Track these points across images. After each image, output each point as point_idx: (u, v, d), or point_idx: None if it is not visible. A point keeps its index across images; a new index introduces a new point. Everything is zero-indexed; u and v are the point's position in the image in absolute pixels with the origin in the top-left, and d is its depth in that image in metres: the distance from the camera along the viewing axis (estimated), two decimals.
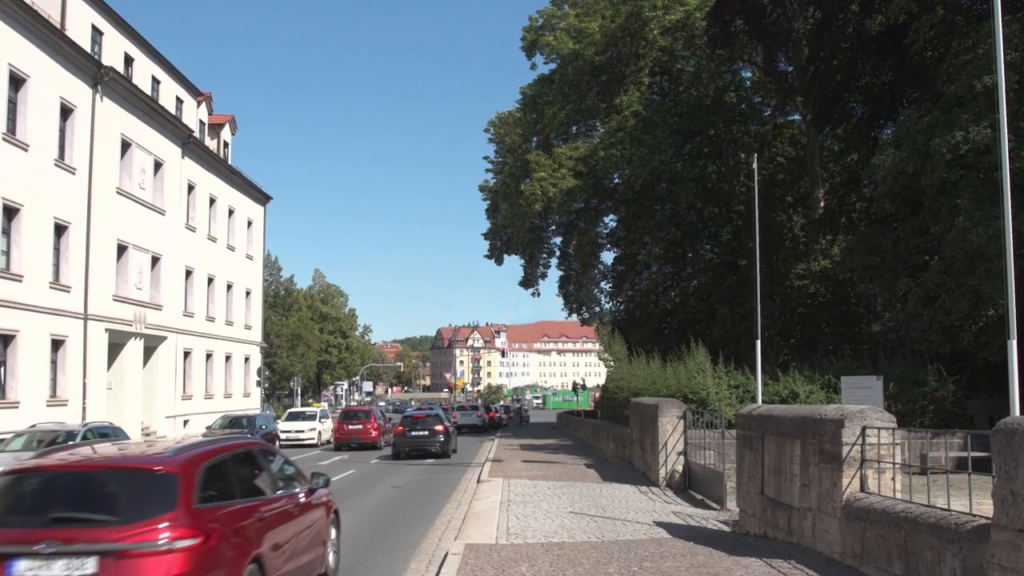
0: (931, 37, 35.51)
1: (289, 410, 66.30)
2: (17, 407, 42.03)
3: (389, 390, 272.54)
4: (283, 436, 54.53)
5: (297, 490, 13.70)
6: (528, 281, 74.70)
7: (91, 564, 9.45)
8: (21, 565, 9.47)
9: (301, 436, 56.35)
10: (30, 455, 14.52)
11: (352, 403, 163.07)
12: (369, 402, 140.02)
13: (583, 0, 61.73)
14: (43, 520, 9.98)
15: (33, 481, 10.65)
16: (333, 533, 15.35)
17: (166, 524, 9.77)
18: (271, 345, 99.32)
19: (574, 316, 79.52)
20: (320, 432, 57.88)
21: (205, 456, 11.36)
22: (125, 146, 53.25)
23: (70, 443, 24.67)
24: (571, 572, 13.96)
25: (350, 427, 52.42)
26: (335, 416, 63.74)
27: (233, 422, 50.66)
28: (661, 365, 40.57)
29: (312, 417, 59.46)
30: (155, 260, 57.57)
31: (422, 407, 57.38)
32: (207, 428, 51.14)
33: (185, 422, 59.79)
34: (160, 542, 9.64)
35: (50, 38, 45.11)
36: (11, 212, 42.48)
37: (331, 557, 15.01)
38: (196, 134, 65.24)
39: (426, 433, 43.34)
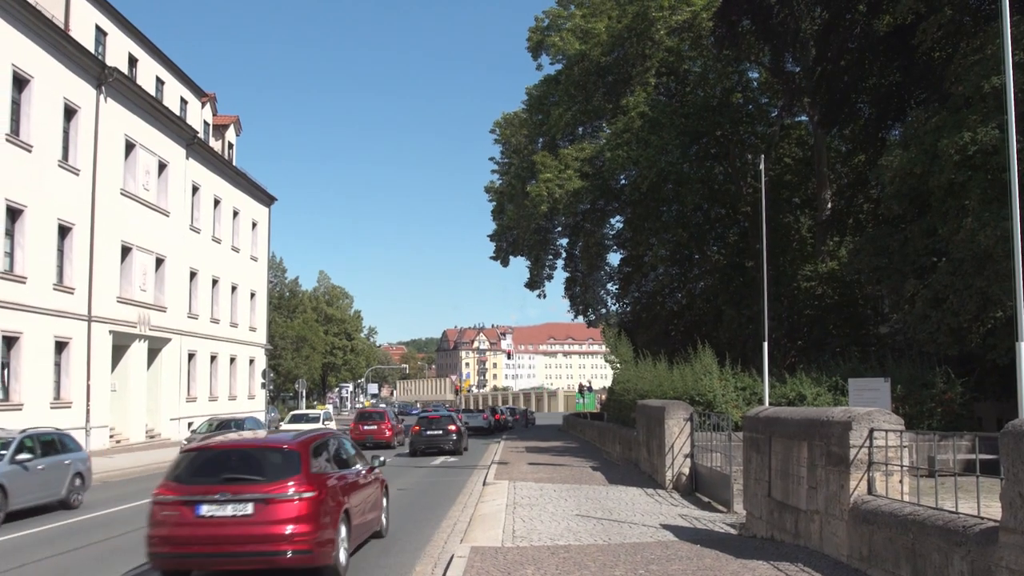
0: (939, 37, 35.44)
1: (292, 412, 64.80)
2: (21, 409, 42.14)
3: (394, 392, 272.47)
4: None
5: (362, 468, 18.89)
6: (534, 283, 74.64)
7: (249, 507, 14.67)
8: (204, 508, 14.69)
9: None
10: None
11: (358, 404, 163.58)
12: (382, 405, 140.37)
13: (589, 0, 61.69)
14: (217, 479, 15.03)
15: (208, 455, 16.03)
16: (384, 502, 20.60)
17: (293, 483, 14.98)
18: (276, 347, 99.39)
19: (580, 318, 79.46)
20: None
21: (312, 440, 16.67)
22: (129, 147, 53.41)
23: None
24: (577, 575, 13.97)
25: (365, 427, 54.11)
26: (339, 416, 63.68)
27: (221, 425, 46.47)
28: (668, 367, 40.49)
29: (315, 419, 56.67)
30: (159, 262, 57.73)
31: (427, 409, 61.86)
32: (191, 432, 48.95)
33: (189, 424, 59.77)
34: (290, 493, 14.85)
35: (54, 38, 45.25)
36: (15, 213, 42.60)
37: (383, 519, 20.34)
38: (200, 135, 65.46)
39: (440, 432, 48.09)
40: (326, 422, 56.98)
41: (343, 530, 16.19)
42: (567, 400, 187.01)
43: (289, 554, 14.78)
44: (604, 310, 76.54)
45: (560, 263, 75.29)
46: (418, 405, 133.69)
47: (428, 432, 48.08)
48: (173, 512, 14.92)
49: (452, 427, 48.54)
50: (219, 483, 14.97)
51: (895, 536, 11.76)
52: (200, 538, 14.68)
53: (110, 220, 50.76)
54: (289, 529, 14.72)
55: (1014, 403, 15.32)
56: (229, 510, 14.70)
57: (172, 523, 14.87)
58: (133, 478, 36.68)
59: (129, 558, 17.35)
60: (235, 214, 73.31)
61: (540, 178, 59.44)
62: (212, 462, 15.81)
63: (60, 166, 46.16)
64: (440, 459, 44.51)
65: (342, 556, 15.93)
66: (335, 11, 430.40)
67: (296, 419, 57.42)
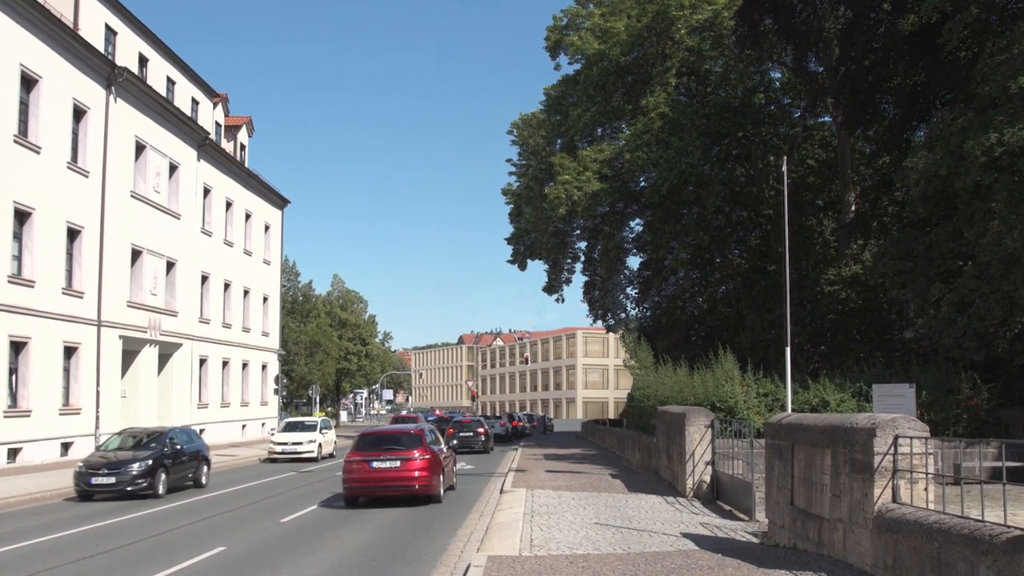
0: (965, 37, 35.40)
1: (286, 419, 62.11)
2: (29, 416, 42.26)
3: (409, 398, 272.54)
4: (279, 449, 52.31)
5: (445, 447, 32.37)
6: (552, 287, 74.70)
7: (397, 463, 27.91)
8: (375, 463, 27.88)
9: (299, 449, 52.13)
10: None
11: (372, 411, 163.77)
12: (402, 412, 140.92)
13: None
14: (380, 448, 28.45)
15: (373, 436, 30.13)
16: (455, 469, 35.24)
17: (418, 451, 28.19)
18: (289, 352, 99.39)
19: (599, 323, 79.57)
20: (321, 445, 53.61)
21: (424, 429, 30.70)
22: (140, 148, 53.50)
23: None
24: None
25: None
26: (354, 423, 63.40)
27: (138, 443, 35.30)
28: (688, 373, 40.62)
29: (312, 428, 54.50)
30: (170, 265, 57.81)
31: (442, 415, 65.70)
32: (96, 448, 38.82)
33: (201, 431, 59.83)
34: (416, 456, 28.09)
35: (63, 38, 45.34)
36: (23, 216, 42.68)
37: (454, 479, 33.69)
38: (212, 136, 65.53)
39: (471, 434, 59.18)
40: (324, 431, 55.32)
41: (440, 478, 29.64)
42: (586, 406, 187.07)
43: (416, 487, 28.31)
44: (624, 315, 76.57)
45: (579, 267, 75.48)
46: (436, 411, 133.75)
47: (461, 434, 58.85)
48: (357, 466, 28.37)
49: (481, 430, 60.04)
50: (381, 450, 28.69)
51: (920, 545, 11.75)
52: (372, 479, 28.31)
53: (120, 223, 50.83)
54: (416, 474, 28.21)
55: None
56: (387, 464, 28.28)
57: (356, 471, 28.31)
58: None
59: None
60: (247, 217, 73.36)
61: (558, 180, 59.43)
62: (376, 439, 30.01)
63: (69, 168, 46.21)
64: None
65: (440, 491, 29.53)
66: (349, 10, 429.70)
67: (291, 427, 55.37)
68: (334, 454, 55.46)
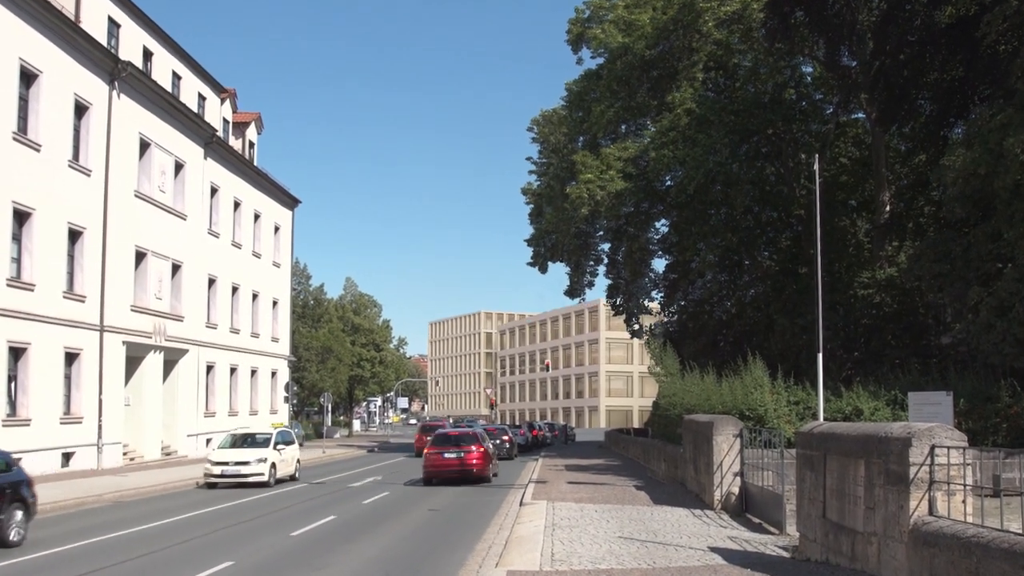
0: (1004, 30, 35.27)
1: (230, 432, 47.52)
2: (28, 425, 42.36)
3: (425, 406, 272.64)
4: (217, 471, 40.55)
5: (489, 444, 45.65)
6: (574, 290, 74.73)
7: (462, 454, 41.68)
8: (446, 454, 41.91)
9: (243, 471, 40.64)
10: None
11: (387, 420, 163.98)
12: (430, 420, 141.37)
13: None
14: (449, 443, 43.02)
15: (443, 434, 45.80)
16: (496, 459, 48.03)
17: (475, 446, 42.32)
18: (300, 359, 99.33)
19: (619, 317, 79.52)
20: (275, 465, 42.24)
21: (479, 431, 47.72)
22: (144, 146, 53.63)
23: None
24: None
25: (430, 438, 56.27)
26: (367, 432, 63.35)
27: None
28: (716, 380, 40.68)
29: (264, 443, 42.87)
30: (176, 268, 57.99)
31: (460, 424, 71.53)
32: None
33: (208, 441, 59.90)
34: (475, 450, 41.95)
35: (64, 31, 45.46)
36: (22, 217, 42.77)
37: (497, 469, 46.66)
38: (219, 133, 65.69)
39: (497, 442, 58.83)
40: (281, 447, 43.25)
41: (490, 466, 43.02)
42: (609, 415, 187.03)
43: (474, 471, 41.07)
44: (649, 320, 76.52)
45: (602, 269, 75.48)
46: (450, 420, 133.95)
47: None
48: (434, 456, 41.70)
49: (506, 437, 65.14)
50: (450, 445, 42.17)
51: (957, 560, 11.71)
52: (443, 465, 41.30)
53: (123, 224, 50.96)
54: (474, 462, 41.16)
55: None
56: (454, 455, 41.29)
57: (432, 460, 41.61)
58: (169, 494, 36.97)
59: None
60: (256, 217, 73.55)
61: (580, 179, 59.42)
62: (446, 437, 43.86)
63: (70, 166, 46.37)
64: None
65: (490, 474, 42.83)
66: (361, 3, 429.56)
67: (237, 442, 43.30)
68: (296, 476, 45.20)
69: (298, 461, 46.31)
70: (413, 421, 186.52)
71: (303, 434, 76.15)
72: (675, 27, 57.25)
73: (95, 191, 48.48)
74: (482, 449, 42.15)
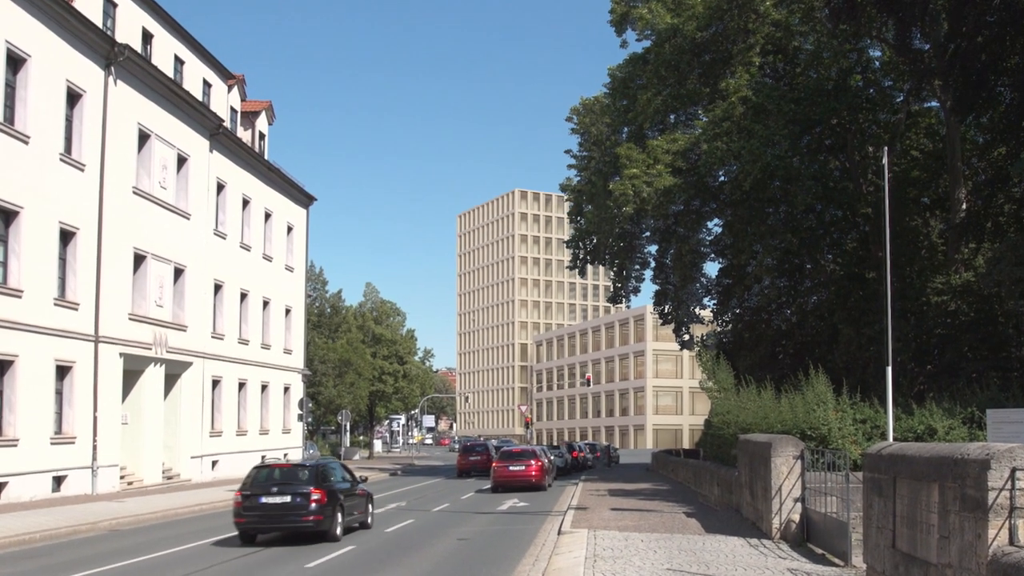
0: None
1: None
2: (16, 445, 42.35)
3: (454, 425, 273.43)
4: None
5: (545, 459, 59.65)
6: (617, 297, 74.85)
7: (523, 467, 54.91)
8: (510, 467, 54.96)
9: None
10: None
11: (411, 440, 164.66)
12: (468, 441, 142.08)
13: None
14: (512, 459, 56.24)
15: (507, 452, 59.16)
16: (552, 472, 62.92)
17: (535, 460, 55.46)
18: (315, 372, 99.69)
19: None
20: None
21: (537, 449, 61.77)
22: (143, 138, 53.75)
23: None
24: None
25: (472, 458, 74.52)
26: (389, 454, 64.26)
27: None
28: (774, 396, 40.55)
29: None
30: (178, 272, 58.07)
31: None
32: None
33: (214, 463, 59.85)
34: (534, 464, 55.07)
35: (55, 11, 45.47)
36: (9, 216, 42.78)
37: (552, 480, 61.34)
38: (226, 124, 65.91)
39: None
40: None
41: (548, 477, 58.05)
42: (657, 434, 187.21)
43: (534, 481, 54.01)
44: (701, 331, 76.37)
45: (648, 274, 75.48)
46: (481, 439, 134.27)
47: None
48: (500, 468, 55.02)
49: (534, 462, 65.40)
50: (513, 460, 55.76)
51: None
52: (508, 476, 54.47)
53: (120, 224, 51.00)
54: (534, 474, 54.18)
55: None
56: (517, 468, 54.59)
57: (499, 472, 54.86)
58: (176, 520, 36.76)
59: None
60: (267, 216, 73.78)
61: (625, 174, 59.14)
62: (510, 453, 57.82)
63: (62, 160, 46.41)
64: (509, 503, 46.24)
65: (547, 484, 56.48)
66: None
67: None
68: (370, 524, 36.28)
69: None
70: (429, 441, 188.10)
71: (319, 456, 75.84)
72: (729, 6, 56.94)
73: (89, 187, 48.47)
74: (540, 463, 55.40)
